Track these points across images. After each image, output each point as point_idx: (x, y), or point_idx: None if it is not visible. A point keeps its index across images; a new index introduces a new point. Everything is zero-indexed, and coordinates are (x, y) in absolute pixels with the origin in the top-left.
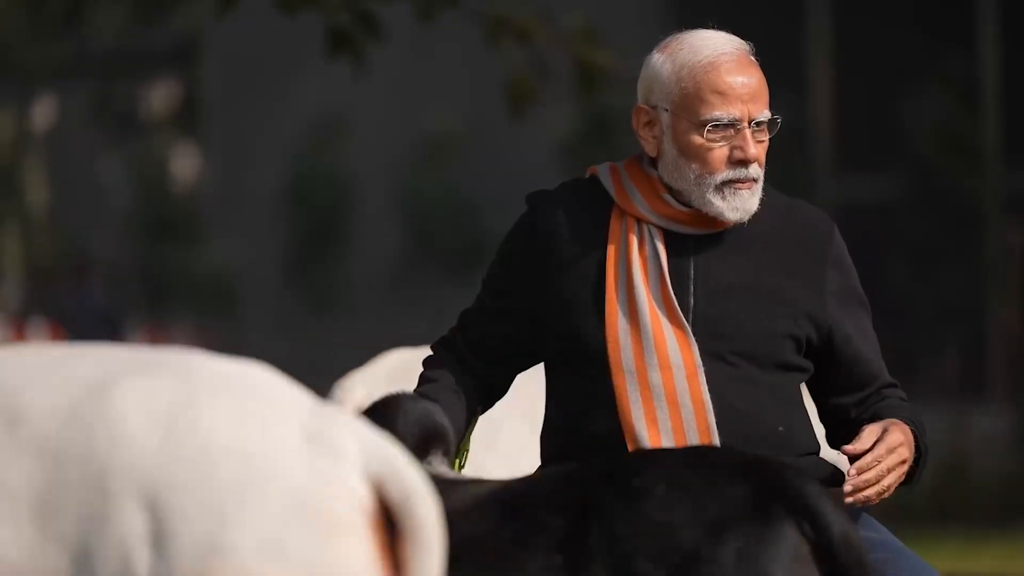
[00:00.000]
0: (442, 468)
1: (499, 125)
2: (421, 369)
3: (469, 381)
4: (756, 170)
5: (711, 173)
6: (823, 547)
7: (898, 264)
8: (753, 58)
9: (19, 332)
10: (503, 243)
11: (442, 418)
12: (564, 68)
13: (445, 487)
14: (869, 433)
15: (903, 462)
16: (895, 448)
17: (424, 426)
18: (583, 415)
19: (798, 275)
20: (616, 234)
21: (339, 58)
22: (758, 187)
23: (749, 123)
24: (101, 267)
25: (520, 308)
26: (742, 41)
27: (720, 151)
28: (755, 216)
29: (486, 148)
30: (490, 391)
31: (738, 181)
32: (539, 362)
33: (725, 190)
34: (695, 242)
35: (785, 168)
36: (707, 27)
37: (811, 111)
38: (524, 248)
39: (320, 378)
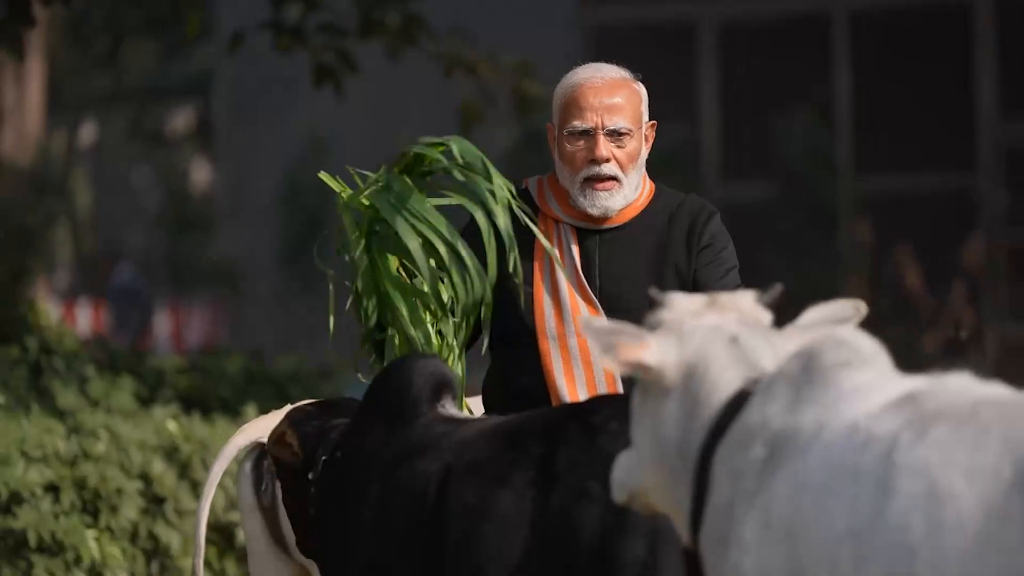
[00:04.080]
0: (452, 410)
1: None
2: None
3: None
4: (611, 168)
5: (574, 172)
6: None
7: (770, 254)
8: (633, 84)
9: (69, 310)
10: None
11: (447, 370)
12: (504, 96)
13: (457, 423)
14: None
15: None
16: None
17: (437, 377)
18: (516, 373)
19: (682, 251)
20: (540, 232)
21: (323, 88)
22: (620, 187)
23: (603, 130)
24: (130, 255)
25: None
26: (624, 72)
27: (580, 154)
28: (652, 210)
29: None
30: None
31: (596, 179)
32: (480, 339)
33: (586, 189)
34: (600, 236)
35: (680, 177)
36: (611, 62)
37: (701, 131)
38: (471, 245)
39: (309, 344)
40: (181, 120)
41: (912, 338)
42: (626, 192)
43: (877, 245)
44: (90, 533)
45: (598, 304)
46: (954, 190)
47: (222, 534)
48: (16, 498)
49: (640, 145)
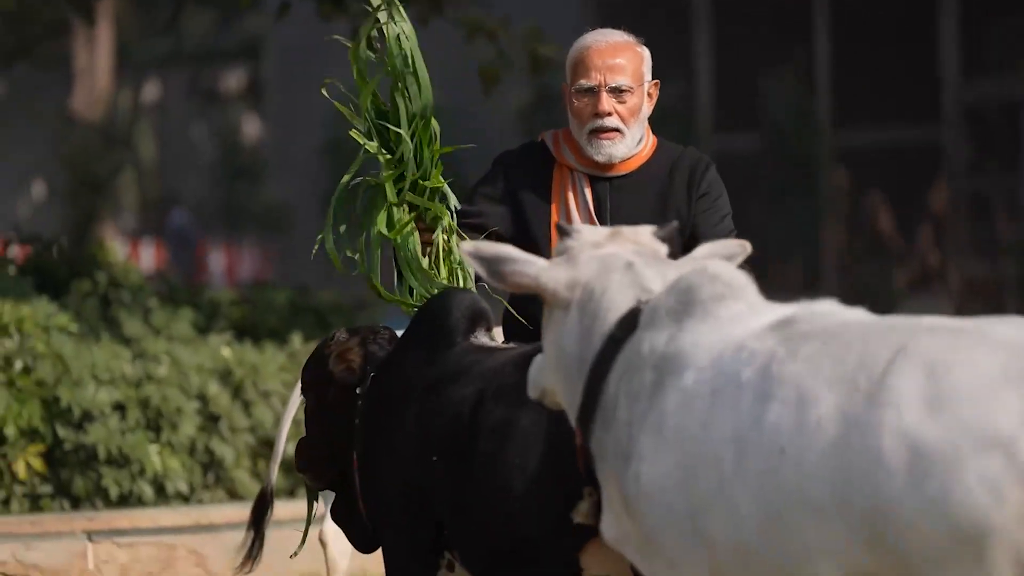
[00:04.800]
0: (485, 339)
1: (474, 100)
2: None
3: None
4: (613, 121)
5: (582, 125)
6: None
7: (758, 200)
8: (636, 47)
9: (134, 249)
10: (476, 186)
11: (483, 304)
12: (520, 59)
13: (488, 352)
14: None
15: None
16: None
17: (472, 311)
18: (533, 304)
19: (683, 197)
20: (557, 180)
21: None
22: (622, 137)
23: (606, 88)
24: (188, 200)
25: (489, 228)
26: (627, 35)
27: (587, 109)
28: (656, 160)
29: (465, 116)
30: None
31: (600, 131)
32: None
33: (592, 140)
34: (610, 182)
35: (676, 130)
36: (617, 28)
37: (695, 90)
38: (492, 191)
39: (348, 280)
40: (234, 80)
41: (884, 275)
42: (628, 142)
43: (853, 192)
44: (153, 447)
45: None
46: (921, 142)
47: (271, 447)
48: (87, 416)
49: (641, 101)
